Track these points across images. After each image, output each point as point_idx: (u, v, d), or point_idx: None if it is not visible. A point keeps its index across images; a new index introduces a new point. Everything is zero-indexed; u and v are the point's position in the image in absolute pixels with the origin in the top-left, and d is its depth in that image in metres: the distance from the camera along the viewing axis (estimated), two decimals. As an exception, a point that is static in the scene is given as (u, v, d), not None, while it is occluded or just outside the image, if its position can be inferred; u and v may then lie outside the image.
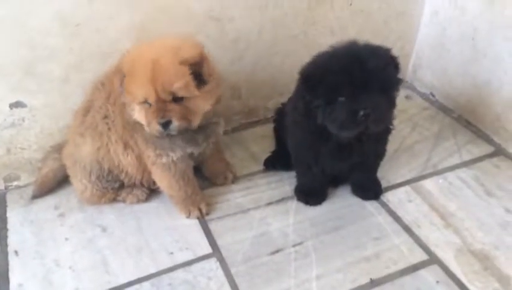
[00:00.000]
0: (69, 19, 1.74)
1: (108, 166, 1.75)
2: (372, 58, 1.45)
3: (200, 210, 1.81)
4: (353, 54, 1.48)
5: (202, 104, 1.53)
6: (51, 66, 1.80)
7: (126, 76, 1.50)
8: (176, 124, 1.50)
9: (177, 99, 1.49)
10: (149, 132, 1.55)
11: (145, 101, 1.50)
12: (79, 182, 1.81)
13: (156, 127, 1.50)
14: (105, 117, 1.69)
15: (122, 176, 1.80)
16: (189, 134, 1.61)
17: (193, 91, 1.48)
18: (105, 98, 1.66)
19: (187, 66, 1.45)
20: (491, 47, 2.08)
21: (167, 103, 1.48)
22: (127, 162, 1.74)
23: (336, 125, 1.52)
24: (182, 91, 1.47)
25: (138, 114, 1.55)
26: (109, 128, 1.69)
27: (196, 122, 1.55)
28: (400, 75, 1.59)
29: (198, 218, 1.81)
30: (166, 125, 1.49)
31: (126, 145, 1.70)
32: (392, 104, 1.56)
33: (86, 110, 1.72)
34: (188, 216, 1.81)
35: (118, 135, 1.68)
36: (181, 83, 1.45)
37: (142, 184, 1.85)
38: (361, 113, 1.45)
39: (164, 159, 1.66)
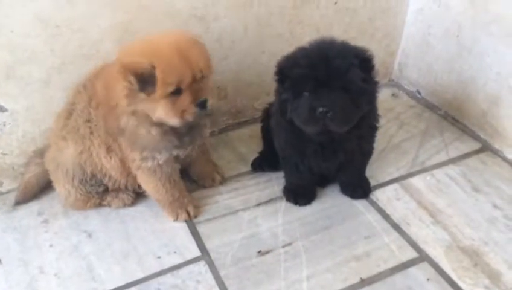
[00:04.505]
0: (48, 20, 1.70)
1: (91, 170, 1.72)
2: (337, 58, 1.48)
3: (187, 213, 1.78)
4: (322, 51, 1.52)
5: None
6: (31, 68, 1.76)
7: (157, 66, 1.42)
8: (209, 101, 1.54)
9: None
10: (172, 123, 1.52)
11: (178, 89, 1.47)
12: (62, 187, 1.77)
13: (193, 110, 1.50)
14: (88, 121, 1.65)
15: (106, 180, 1.77)
16: (176, 135, 1.59)
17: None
18: (87, 102, 1.63)
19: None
20: (475, 43, 2.09)
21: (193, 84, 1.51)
22: (110, 166, 1.71)
23: (299, 119, 1.56)
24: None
25: (164, 108, 1.48)
26: (91, 132, 1.66)
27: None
28: (377, 77, 1.60)
29: (186, 221, 1.78)
30: (203, 105, 1.52)
31: (109, 149, 1.67)
32: (357, 105, 1.54)
33: (69, 113, 1.69)
34: (176, 219, 1.78)
35: (100, 139, 1.65)
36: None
37: (127, 188, 1.82)
38: (320, 110, 1.48)
39: (149, 163, 1.64)
